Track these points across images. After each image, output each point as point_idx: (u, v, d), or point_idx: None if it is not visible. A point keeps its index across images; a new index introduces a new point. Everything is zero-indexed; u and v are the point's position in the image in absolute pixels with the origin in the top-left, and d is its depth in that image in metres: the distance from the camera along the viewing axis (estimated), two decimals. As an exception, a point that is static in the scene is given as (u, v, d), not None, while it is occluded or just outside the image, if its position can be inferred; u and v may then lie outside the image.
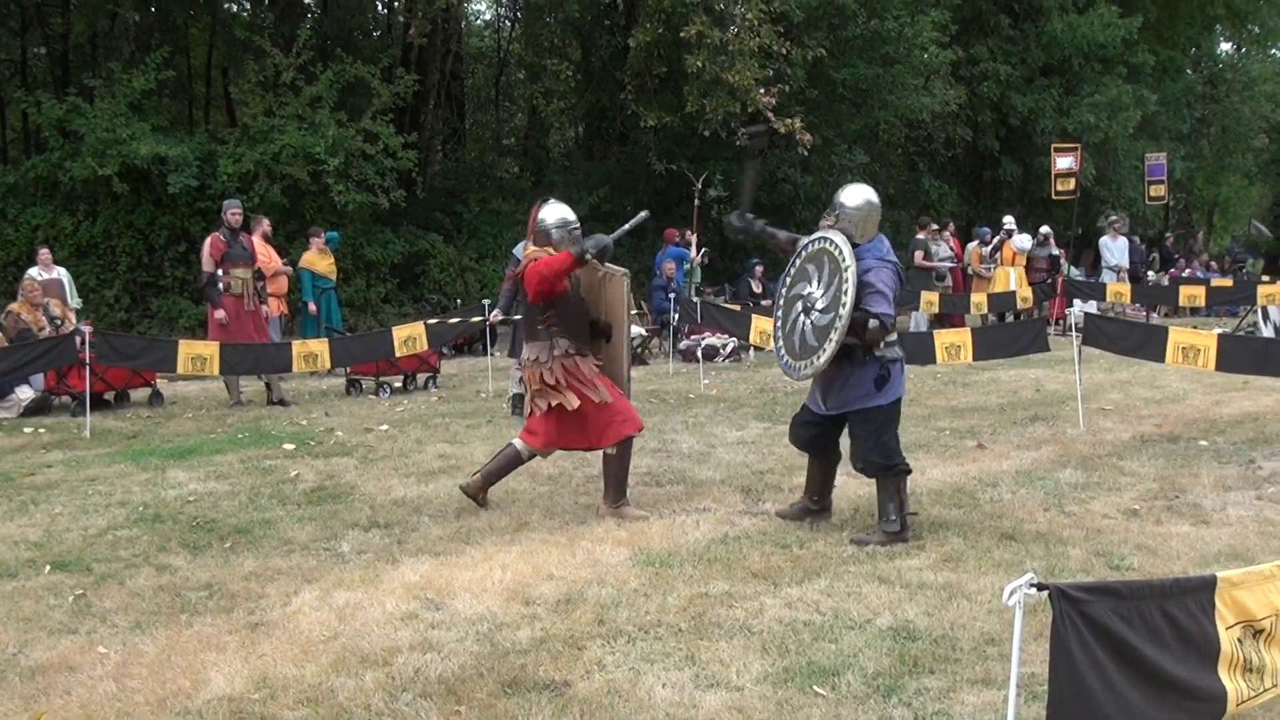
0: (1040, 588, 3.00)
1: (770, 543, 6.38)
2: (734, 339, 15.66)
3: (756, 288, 18.50)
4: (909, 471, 6.65)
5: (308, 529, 6.94)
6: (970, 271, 20.67)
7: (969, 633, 4.89)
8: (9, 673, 4.64)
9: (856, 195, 6.66)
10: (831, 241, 6.48)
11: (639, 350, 16.48)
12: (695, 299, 15.48)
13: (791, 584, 5.61)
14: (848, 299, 6.23)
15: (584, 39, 25.92)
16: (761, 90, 20.19)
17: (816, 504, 6.96)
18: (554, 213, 7.29)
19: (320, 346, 12.28)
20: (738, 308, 15.73)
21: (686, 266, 18.75)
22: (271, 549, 6.50)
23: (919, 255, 19.53)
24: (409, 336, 12.37)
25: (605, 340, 7.40)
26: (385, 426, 10.69)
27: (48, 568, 6.17)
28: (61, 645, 4.96)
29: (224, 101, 25.70)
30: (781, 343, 6.76)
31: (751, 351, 15.93)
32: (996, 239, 20.88)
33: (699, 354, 14.88)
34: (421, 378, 13.75)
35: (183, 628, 5.16)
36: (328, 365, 12.65)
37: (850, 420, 6.61)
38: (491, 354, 13.88)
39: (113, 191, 18.32)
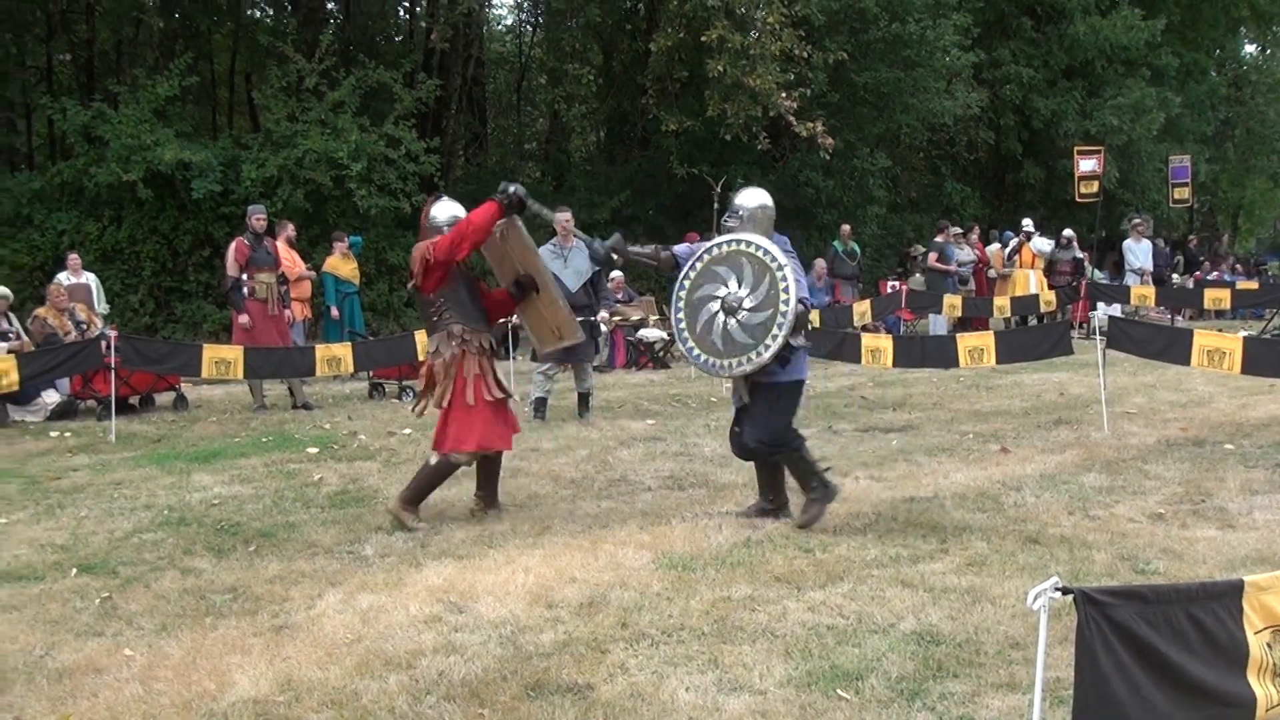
0: (1065, 591, 2.99)
1: (793, 546, 6.37)
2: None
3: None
4: (802, 443, 6.91)
5: (331, 532, 6.97)
6: (991, 274, 20.62)
7: (993, 637, 4.87)
8: (37, 675, 4.67)
9: (754, 198, 6.99)
10: (751, 244, 6.71)
11: (661, 354, 16.48)
12: None
13: (814, 588, 5.60)
14: (789, 295, 6.46)
15: (605, 43, 25.98)
16: (783, 94, 20.17)
17: (772, 503, 7.13)
18: (445, 209, 7.24)
19: (343, 350, 12.32)
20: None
21: None
22: (295, 552, 6.52)
23: (933, 258, 19.48)
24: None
25: (535, 292, 7.36)
26: (408, 430, 10.71)
27: (74, 571, 6.21)
28: (88, 647, 4.99)
29: (247, 107, 25.85)
30: (693, 344, 6.84)
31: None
32: (1015, 241, 20.82)
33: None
34: (444, 382, 13.76)
35: (208, 630, 5.18)
36: (351, 369, 12.70)
37: (753, 397, 6.80)
38: (514, 358, 13.89)
39: (137, 197, 18.46)
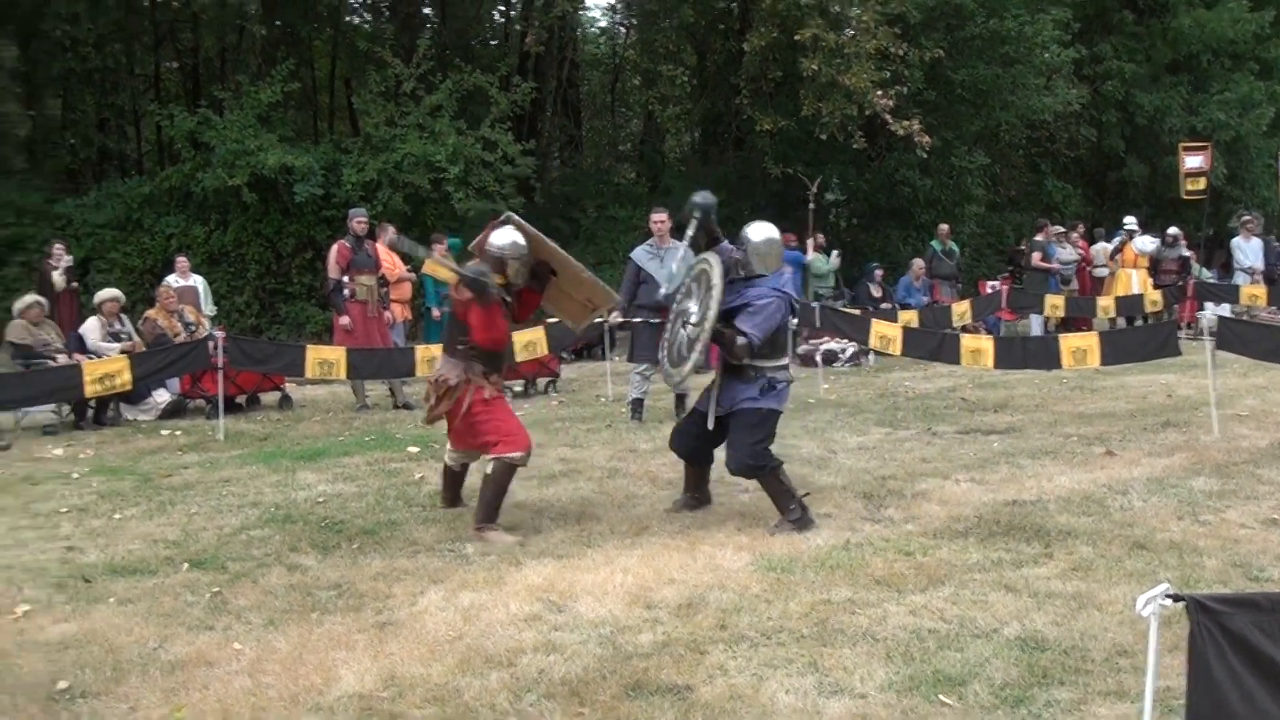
0: (1176, 599, 2.94)
1: (893, 549, 6.32)
2: (853, 343, 15.53)
3: (876, 292, 18.32)
4: (780, 465, 7.04)
5: (432, 530, 7.06)
6: (1102, 272, 20.22)
7: (1100, 644, 4.78)
8: (150, 667, 4.80)
9: (760, 232, 7.21)
10: (708, 262, 7.11)
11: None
12: (814, 303, 15.38)
13: (915, 591, 5.55)
14: (710, 313, 6.85)
15: (699, 44, 25.95)
16: (878, 92, 19.98)
17: (696, 498, 7.50)
18: (505, 236, 7.10)
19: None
20: (857, 312, 15.60)
21: (825, 267, 18.71)
22: (398, 550, 6.62)
23: (1036, 257, 19.14)
24: (529, 341, 12.48)
25: (553, 274, 7.43)
26: (506, 430, 10.79)
27: (185, 566, 6.37)
28: (199, 641, 5.12)
29: (347, 112, 26.27)
30: (664, 353, 7.40)
31: (872, 356, 15.78)
32: (1117, 240, 20.40)
33: (818, 358, 14.78)
34: (542, 382, 13.88)
35: (313, 626, 5.28)
36: (450, 370, 12.81)
37: (731, 421, 7.03)
38: (611, 358, 13.95)
39: (242, 201, 18.84)
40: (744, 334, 6.84)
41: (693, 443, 7.34)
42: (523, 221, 7.29)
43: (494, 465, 6.94)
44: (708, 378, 7.42)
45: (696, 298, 7.11)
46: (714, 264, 7.05)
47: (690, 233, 7.44)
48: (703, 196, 7.28)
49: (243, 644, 5.06)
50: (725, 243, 7.36)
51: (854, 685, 4.43)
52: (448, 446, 7.51)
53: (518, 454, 6.94)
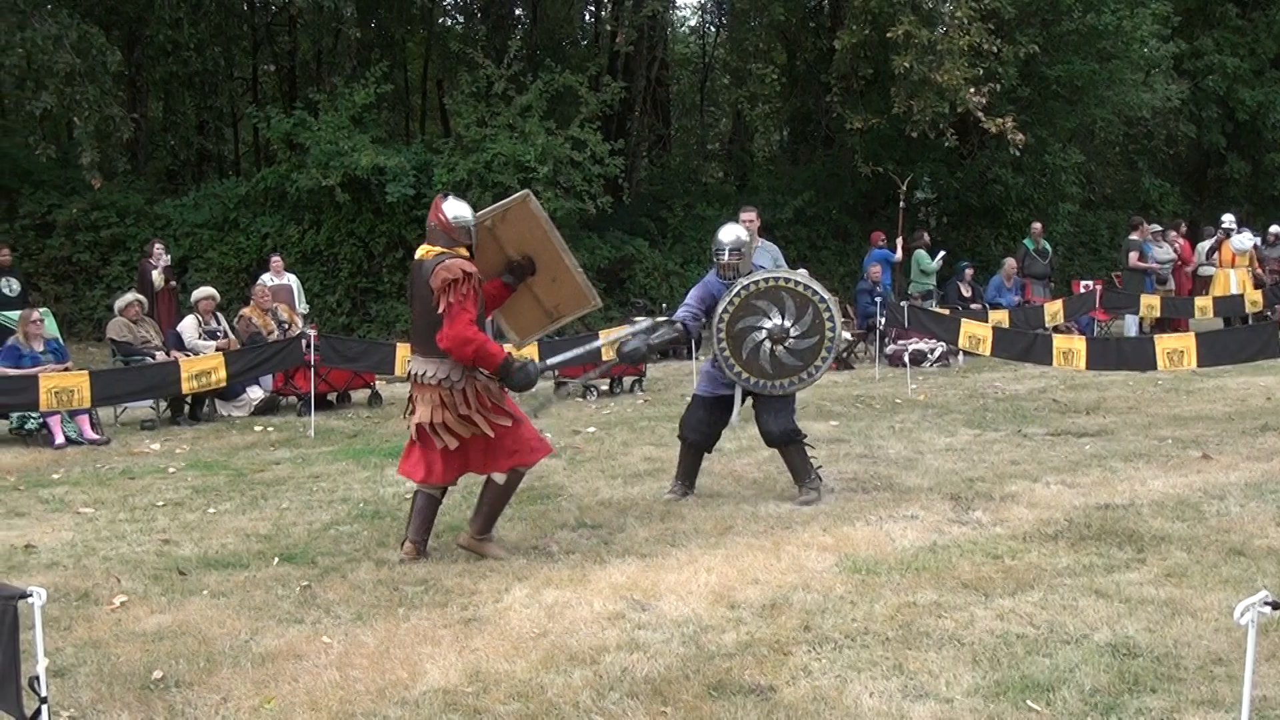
0: (1275, 606, 2.86)
1: (981, 552, 6.24)
2: (942, 343, 15.36)
3: (965, 291, 18.08)
4: (805, 437, 7.83)
5: (518, 528, 7.11)
6: (1207, 271, 19.78)
7: (1194, 651, 4.68)
8: (242, 658, 4.89)
9: (735, 231, 7.80)
10: (790, 280, 7.65)
11: (845, 355, 16.32)
12: (916, 302, 15.21)
13: (1003, 595, 5.47)
14: (835, 322, 7.62)
15: (789, 42, 25.82)
16: (971, 90, 19.72)
17: (686, 487, 7.90)
18: (453, 208, 6.32)
19: (530, 350, 12.52)
20: (946, 312, 15.42)
21: (933, 264, 18.56)
22: (484, 547, 6.67)
23: (1133, 257, 18.74)
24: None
25: (531, 273, 6.87)
26: (592, 429, 10.86)
27: (276, 560, 6.49)
28: (289, 634, 5.21)
29: (439, 112, 26.56)
30: (740, 368, 7.61)
31: (961, 356, 15.59)
32: (1214, 238, 19.93)
33: (906, 359, 14.65)
34: (628, 381, 13.92)
35: (400, 621, 5.35)
36: (537, 368, 12.89)
37: (761, 402, 7.69)
38: (696, 357, 13.95)
39: (336, 201, 19.14)
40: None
41: (709, 429, 7.85)
42: (537, 204, 7.00)
43: (510, 474, 6.47)
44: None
45: (785, 314, 7.56)
46: (804, 280, 7.69)
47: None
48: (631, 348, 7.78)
49: (331, 637, 5.14)
50: (679, 314, 7.96)
51: (939, 689, 4.38)
52: (415, 476, 6.51)
53: (539, 459, 6.61)
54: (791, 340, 7.54)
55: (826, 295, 7.66)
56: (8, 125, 22.74)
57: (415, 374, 6.35)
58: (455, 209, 6.31)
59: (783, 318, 7.55)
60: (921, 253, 18.89)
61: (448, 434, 6.22)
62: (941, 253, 19.35)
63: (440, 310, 6.02)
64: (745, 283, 7.63)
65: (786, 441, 7.71)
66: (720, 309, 7.65)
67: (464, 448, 6.30)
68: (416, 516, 6.49)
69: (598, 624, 5.21)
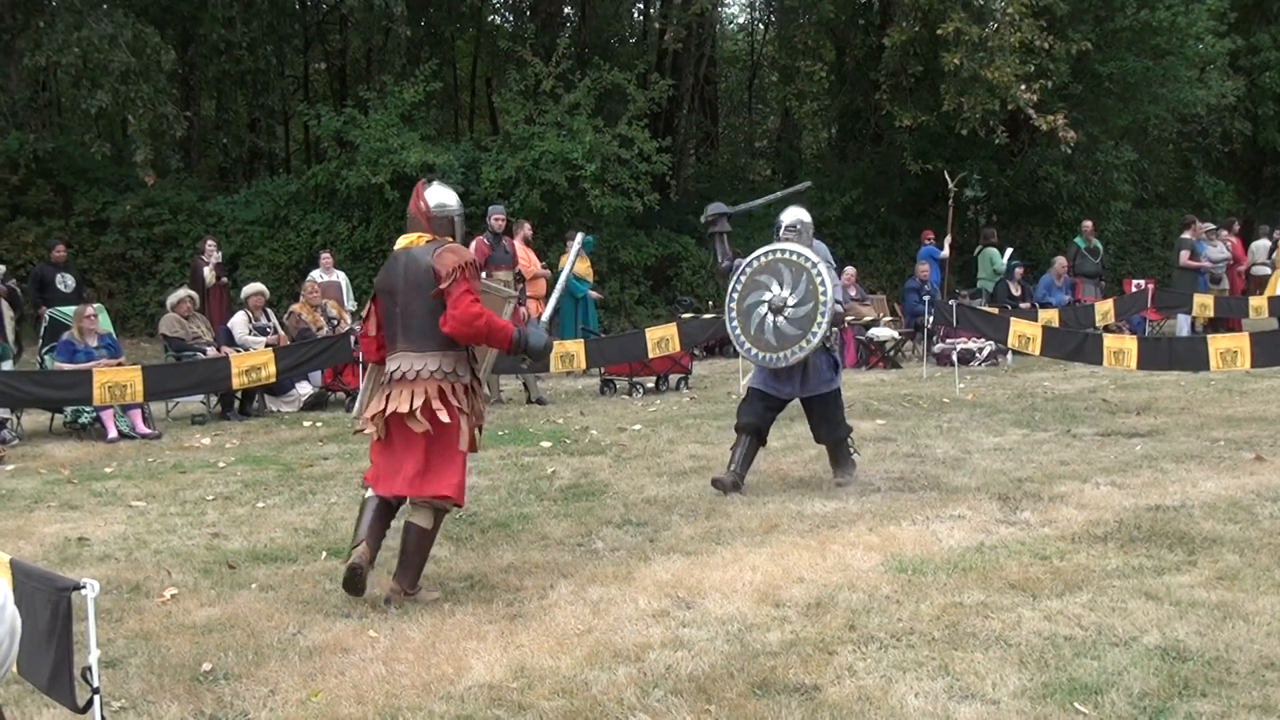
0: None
1: (1028, 553, 6.18)
2: (991, 343, 15.25)
3: (1015, 290, 17.93)
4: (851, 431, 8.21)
5: (563, 525, 7.13)
6: (1264, 271, 19.51)
7: (1246, 655, 4.61)
8: (290, 652, 4.94)
9: (801, 214, 8.12)
10: (785, 251, 7.82)
11: (892, 353, 16.24)
12: (965, 300, 15.09)
13: (1051, 596, 5.42)
14: (826, 287, 7.60)
15: (838, 39, 25.74)
16: (1022, 87, 19.56)
17: (742, 476, 7.94)
18: (435, 195, 5.89)
19: (576, 347, 12.58)
20: (995, 311, 15.30)
21: (1004, 262, 18.46)
22: (529, 543, 6.71)
23: (1185, 255, 18.51)
24: (662, 338, 12.55)
25: None
26: (638, 426, 10.87)
27: (324, 554, 6.54)
28: (336, 628, 5.25)
29: (487, 110, 26.69)
30: (749, 344, 7.86)
31: (1010, 356, 15.46)
32: (1276, 238, 19.64)
33: (954, 357, 14.55)
34: (674, 378, 13.91)
35: (446, 616, 5.38)
36: (583, 365, 12.96)
37: (815, 403, 7.95)
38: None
39: (385, 198, 19.26)
40: (838, 301, 7.78)
41: (769, 417, 8.05)
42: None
43: (435, 516, 5.77)
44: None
45: (784, 284, 7.75)
46: (799, 249, 7.82)
47: (718, 240, 8.19)
48: (713, 207, 7.99)
49: (378, 632, 5.17)
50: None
51: (986, 691, 4.35)
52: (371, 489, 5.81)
53: (462, 504, 5.93)
54: (789, 309, 7.69)
55: (817, 261, 7.74)
56: (64, 123, 23.07)
57: (404, 371, 5.63)
58: (438, 196, 5.89)
59: (781, 287, 7.74)
60: (992, 250, 18.81)
61: (423, 419, 5.54)
62: (1009, 250, 19.23)
63: (446, 289, 5.54)
64: (749, 259, 7.94)
65: (837, 441, 8.04)
66: (731, 287, 7.95)
67: (403, 457, 5.65)
68: (369, 518, 5.71)
69: (642, 621, 5.21)
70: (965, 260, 20.98)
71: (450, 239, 5.84)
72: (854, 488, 7.91)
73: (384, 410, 5.62)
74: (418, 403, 5.55)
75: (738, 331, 7.90)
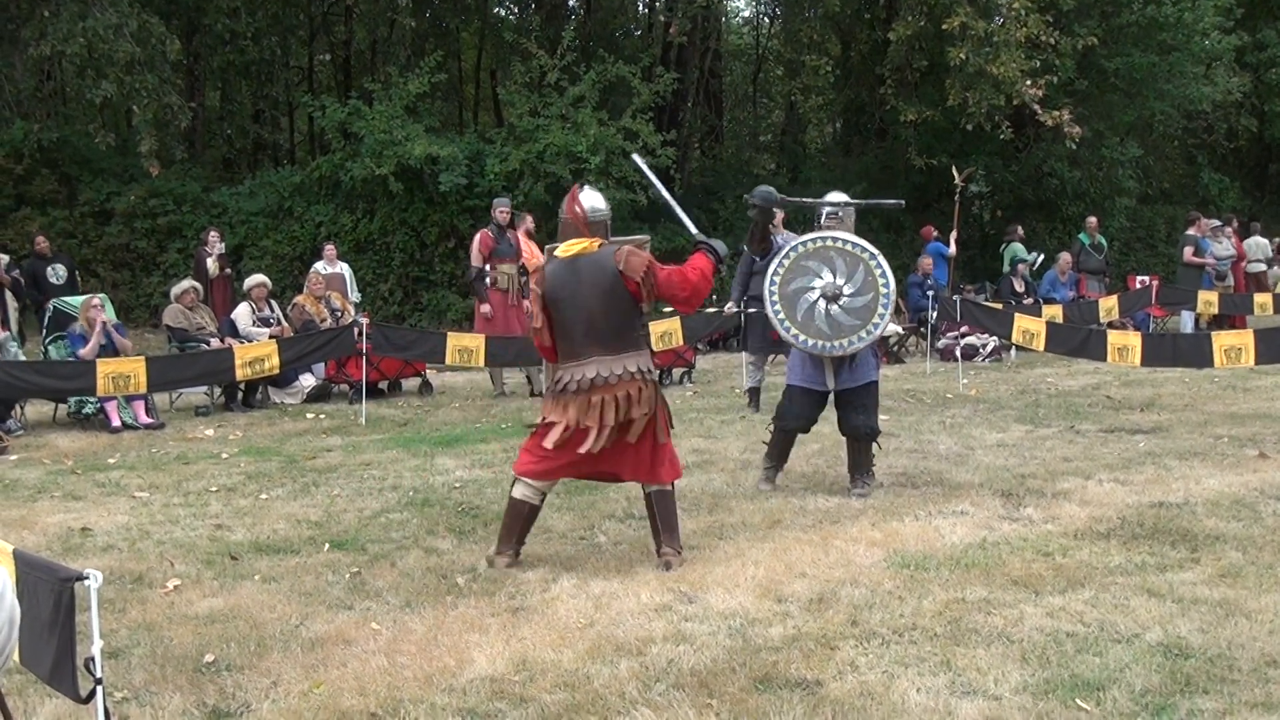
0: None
1: (1031, 549, 6.18)
2: (995, 338, 15.24)
3: (1019, 286, 17.91)
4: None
5: (566, 518, 7.13)
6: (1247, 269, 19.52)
7: (1248, 653, 4.61)
8: (292, 643, 4.94)
9: (842, 199, 8.00)
10: (838, 239, 7.63)
11: (895, 349, 16.22)
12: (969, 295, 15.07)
13: (1054, 593, 5.42)
14: (888, 278, 7.50)
15: (843, 33, 25.70)
16: (1027, 82, 19.52)
17: (777, 470, 7.94)
18: (601, 200, 6.16)
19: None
20: (999, 306, 15.29)
21: (1029, 256, 18.46)
22: (531, 536, 6.68)
23: (1188, 251, 18.48)
24: (665, 331, 12.53)
25: None
26: (641, 420, 10.84)
27: (327, 546, 6.55)
28: (339, 620, 5.25)
29: (492, 102, 26.65)
30: (796, 330, 7.49)
31: (1013, 351, 15.46)
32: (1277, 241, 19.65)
33: (958, 353, 14.54)
34: (677, 372, 13.91)
35: (448, 608, 5.38)
36: (586, 359, 12.91)
37: (854, 394, 7.64)
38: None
39: (389, 190, 19.25)
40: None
41: (815, 412, 7.83)
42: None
43: (667, 490, 6.11)
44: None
45: (838, 272, 7.49)
46: (853, 239, 7.62)
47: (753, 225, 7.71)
48: (764, 191, 7.34)
49: (380, 624, 5.18)
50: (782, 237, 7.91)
51: (988, 687, 4.35)
52: (531, 479, 6.08)
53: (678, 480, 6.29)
54: (846, 299, 7.45)
55: (875, 251, 7.59)
56: (69, 113, 23.08)
57: (604, 377, 5.77)
58: (592, 200, 6.03)
59: (834, 275, 7.50)
60: (1017, 245, 18.83)
61: (644, 428, 5.88)
62: (1036, 251, 19.27)
63: (654, 285, 5.78)
64: (795, 243, 7.68)
65: (870, 437, 7.71)
66: (772, 270, 7.61)
67: (620, 451, 5.94)
68: (523, 522, 6.09)
69: (644, 615, 5.21)
70: (969, 255, 20.93)
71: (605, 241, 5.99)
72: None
73: (605, 424, 5.78)
74: (638, 413, 5.82)
75: (781, 316, 7.53)
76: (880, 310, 7.49)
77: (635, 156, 7.53)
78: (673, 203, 6.71)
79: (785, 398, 7.91)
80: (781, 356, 12.01)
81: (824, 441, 9.11)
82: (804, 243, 7.65)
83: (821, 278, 7.50)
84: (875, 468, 7.92)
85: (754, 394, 11.40)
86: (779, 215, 11.23)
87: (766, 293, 7.62)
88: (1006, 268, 18.81)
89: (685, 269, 5.94)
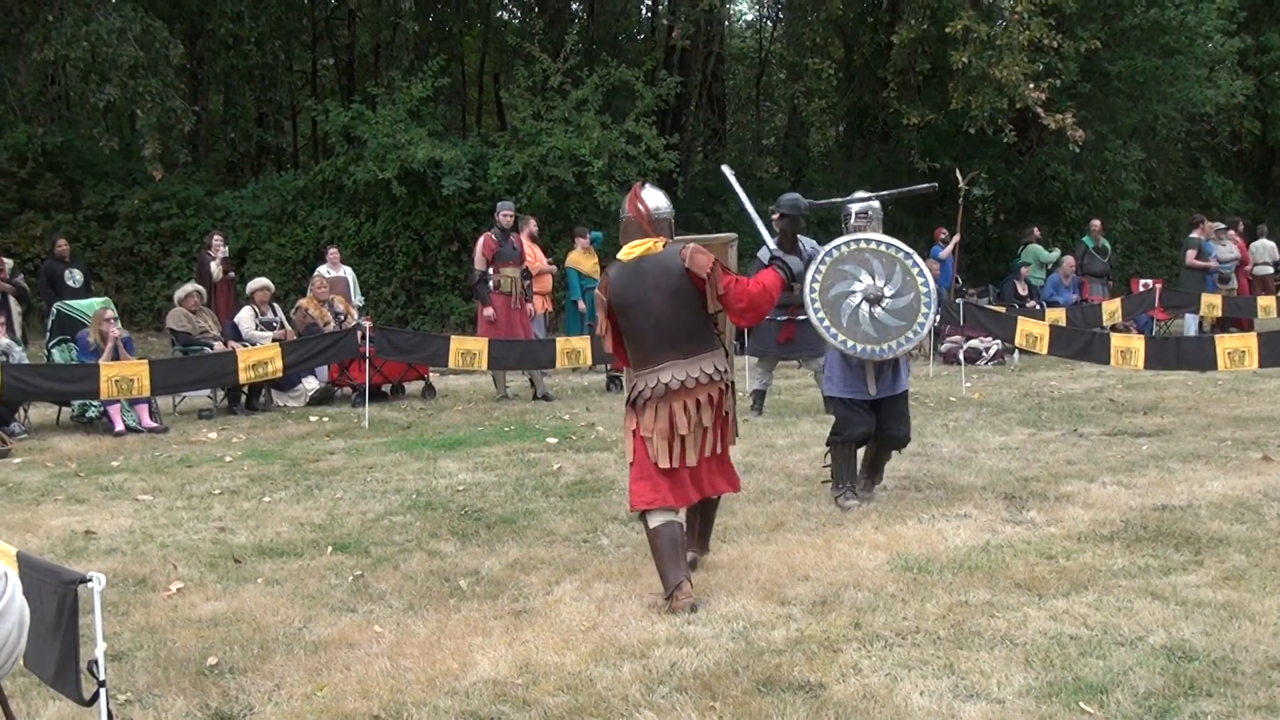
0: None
1: (1034, 552, 6.18)
2: (998, 341, 15.23)
3: (1022, 289, 17.90)
4: None
5: (569, 521, 7.13)
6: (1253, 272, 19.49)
7: (1251, 655, 4.60)
8: (295, 646, 4.95)
9: (869, 201, 7.74)
10: (871, 240, 7.45)
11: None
12: (972, 299, 15.07)
13: (1057, 596, 5.41)
14: (926, 276, 7.35)
15: (846, 37, 25.68)
16: (1030, 85, 19.52)
17: (874, 482, 7.72)
18: (664, 199, 5.94)
19: (583, 343, 12.57)
20: (1002, 309, 15.28)
21: (1050, 256, 18.56)
22: (534, 539, 6.71)
23: (1191, 255, 18.47)
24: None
25: None
26: (644, 423, 10.84)
27: (330, 549, 6.55)
28: (341, 623, 5.25)
29: (495, 106, 26.68)
30: (843, 336, 7.23)
31: (1016, 355, 15.45)
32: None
33: (960, 356, 14.53)
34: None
35: (451, 611, 5.38)
36: (589, 362, 12.95)
37: (894, 402, 7.47)
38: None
39: (392, 194, 19.27)
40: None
41: (872, 427, 7.47)
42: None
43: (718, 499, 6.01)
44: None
45: (876, 274, 7.29)
46: (885, 239, 7.47)
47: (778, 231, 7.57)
48: (790, 199, 7.29)
49: (383, 627, 5.18)
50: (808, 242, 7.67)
51: (991, 690, 4.35)
52: (666, 503, 5.53)
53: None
54: (888, 300, 7.26)
55: (910, 250, 7.45)
56: (72, 117, 23.10)
57: (681, 381, 5.55)
58: (655, 199, 5.80)
59: (873, 277, 7.30)
60: (1036, 247, 18.85)
61: (725, 434, 5.74)
62: (1060, 251, 19.32)
63: (722, 288, 5.55)
64: (829, 248, 7.46)
65: (905, 445, 7.65)
66: (810, 275, 7.29)
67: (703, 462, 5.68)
68: (680, 550, 5.48)
69: (647, 618, 5.21)
70: (973, 258, 20.91)
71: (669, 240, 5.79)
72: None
73: (690, 430, 5.54)
74: (719, 418, 5.65)
75: (826, 324, 7.25)
76: (924, 309, 7.30)
77: (725, 169, 7.27)
78: (755, 216, 6.60)
79: (836, 410, 7.63)
80: (794, 362, 12.03)
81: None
82: (837, 246, 7.43)
83: (861, 281, 7.30)
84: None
85: (759, 397, 11.38)
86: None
87: (808, 300, 7.31)
88: (1031, 269, 18.81)
89: (749, 280, 5.71)
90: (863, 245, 7.44)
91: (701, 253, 5.60)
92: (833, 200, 8.31)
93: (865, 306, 7.25)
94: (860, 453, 7.68)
